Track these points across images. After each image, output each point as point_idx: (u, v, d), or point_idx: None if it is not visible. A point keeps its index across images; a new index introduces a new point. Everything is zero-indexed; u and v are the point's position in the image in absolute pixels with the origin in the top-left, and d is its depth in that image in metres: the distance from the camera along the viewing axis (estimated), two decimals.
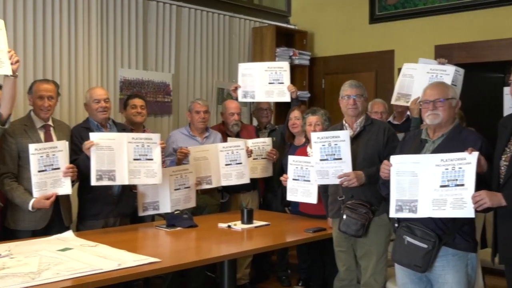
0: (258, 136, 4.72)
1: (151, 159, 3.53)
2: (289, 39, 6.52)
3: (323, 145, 3.31)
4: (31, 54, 4.43)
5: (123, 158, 3.45)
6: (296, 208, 4.10)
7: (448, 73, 4.09)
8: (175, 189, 3.82)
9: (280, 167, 4.36)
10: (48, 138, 3.53)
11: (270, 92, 4.62)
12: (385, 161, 2.83)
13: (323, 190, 3.53)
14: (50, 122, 3.59)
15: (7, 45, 3.16)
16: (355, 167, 3.24)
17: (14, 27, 4.33)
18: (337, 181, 3.26)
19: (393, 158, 2.78)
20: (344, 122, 3.41)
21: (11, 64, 3.13)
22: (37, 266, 2.50)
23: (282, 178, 3.96)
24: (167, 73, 5.48)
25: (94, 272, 2.46)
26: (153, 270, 2.66)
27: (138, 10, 5.23)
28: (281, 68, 4.66)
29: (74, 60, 4.71)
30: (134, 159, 3.48)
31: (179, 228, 3.57)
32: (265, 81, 4.62)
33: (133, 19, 5.18)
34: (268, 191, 4.76)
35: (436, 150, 2.75)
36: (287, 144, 4.50)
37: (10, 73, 3.14)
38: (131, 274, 2.56)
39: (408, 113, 4.51)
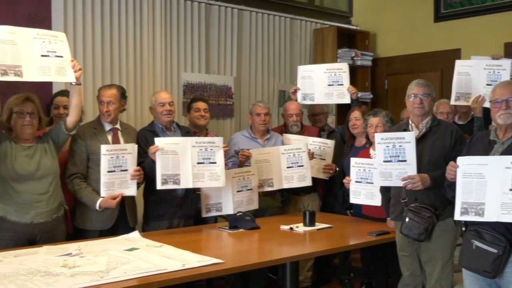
0: None
1: (215, 163, 3.57)
2: (350, 40, 6.45)
3: (387, 146, 3.25)
4: (99, 60, 4.60)
5: (187, 162, 3.51)
6: (359, 211, 4.05)
7: (505, 68, 3.95)
8: (238, 191, 3.85)
9: (340, 169, 4.32)
10: (116, 141, 3.65)
11: (329, 94, 4.59)
12: (452, 162, 2.76)
13: (384, 190, 3.45)
14: (117, 126, 3.71)
15: (70, 55, 3.34)
16: (419, 169, 3.16)
17: (84, 34, 4.51)
18: (400, 183, 3.19)
19: (460, 160, 2.70)
20: (410, 122, 3.34)
21: (74, 72, 3.29)
22: (106, 265, 2.58)
23: (345, 181, 3.92)
24: (229, 76, 5.54)
25: (159, 272, 2.51)
26: (216, 271, 2.69)
27: (201, 15, 5.33)
28: (340, 70, 4.62)
29: (139, 65, 4.84)
30: (198, 163, 3.54)
31: (241, 230, 3.59)
32: (324, 83, 4.60)
33: (195, 23, 5.28)
34: (328, 194, 4.72)
35: (506, 152, 2.65)
36: (347, 145, 4.45)
37: (74, 80, 3.31)
38: (195, 274, 2.60)
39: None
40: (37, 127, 3.33)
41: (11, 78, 3.12)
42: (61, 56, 3.28)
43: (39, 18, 4.39)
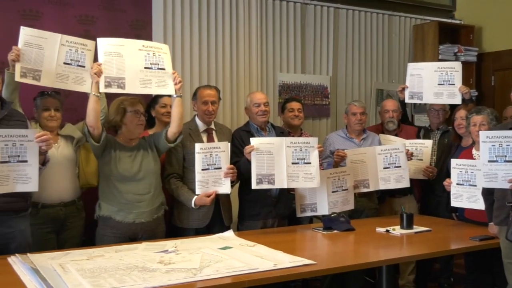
0: (419, 138, 4.52)
1: (309, 163, 3.54)
2: (453, 35, 6.16)
3: (493, 145, 3.04)
4: (196, 61, 4.72)
5: (282, 162, 3.50)
6: (462, 214, 3.84)
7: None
8: (333, 192, 3.79)
9: (446, 170, 4.11)
10: (210, 141, 3.73)
11: (439, 93, 4.40)
12: None
13: (487, 192, 3.23)
14: (212, 126, 3.79)
15: (171, 67, 3.43)
16: None
17: (182, 37, 4.65)
18: (507, 186, 2.98)
19: None
20: None
21: (175, 84, 3.38)
22: (199, 262, 2.63)
23: (445, 183, 3.73)
24: (325, 75, 5.48)
25: (250, 271, 2.51)
26: (308, 272, 2.65)
27: (296, 15, 5.32)
28: (453, 69, 4.42)
29: (235, 66, 4.92)
30: (293, 163, 3.52)
31: (335, 231, 3.53)
32: (434, 82, 4.41)
33: (291, 23, 5.28)
34: (428, 196, 4.53)
35: None
36: (453, 145, 4.24)
37: (173, 93, 3.41)
38: (286, 275, 2.58)
39: None
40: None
41: (113, 90, 3.28)
42: (163, 69, 3.39)
43: (141, 25, 4.59)
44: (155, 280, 2.34)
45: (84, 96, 3.63)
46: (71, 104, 4.00)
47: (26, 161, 2.79)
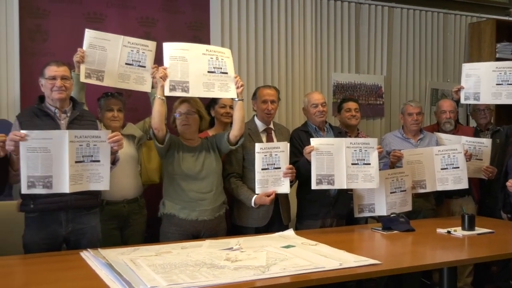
0: None
1: (369, 164, 3.55)
2: (511, 33, 6.01)
3: None
4: (253, 62, 4.78)
5: (341, 162, 3.52)
6: None
7: None
8: (391, 192, 3.78)
9: (504, 171, 4.05)
10: (270, 141, 3.77)
11: (497, 94, 4.31)
12: None
13: None
14: (271, 126, 3.83)
15: (233, 71, 3.49)
16: None
17: (239, 38, 4.72)
18: None
19: None
20: None
21: (236, 88, 3.44)
22: (265, 260, 2.67)
23: (508, 184, 3.67)
24: (379, 75, 5.46)
25: (317, 269, 2.55)
26: (373, 272, 2.66)
27: (351, 14, 5.32)
28: None
29: (290, 66, 4.96)
30: (352, 164, 3.53)
31: (395, 232, 3.52)
32: (492, 82, 4.32)
33: (345, 23, 5.29)
34: (487, 196, 4.46)
35: None
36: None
37: (235, 97, 3.47)
38: (352, 274, 2.60)
39: None
40: (197, 127, 3.55)
41: (178, 93, 3.36)
42: (226, 73, 3.45)
43: (199, 26, 4.68)
44: (225, 276, 2.40)
45: (144, 96, 3.74)
46: (132, 104, 4.12)
47: (98, 161, 2.91)
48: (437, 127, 4.57)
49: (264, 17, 4.86)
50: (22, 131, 2.78)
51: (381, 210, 3.77)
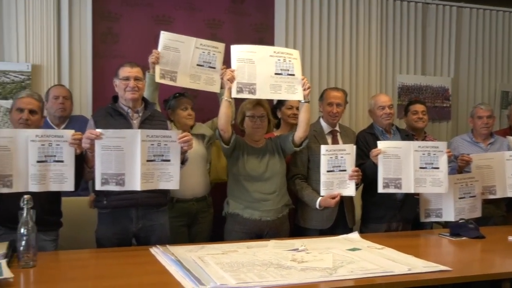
0: None
1: (437, 168, 3.47)
2: None
3: None
4: (316, 64, 4.78)
5: (409, 166, 3.46)
6: None
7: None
8: (460, 198, 3.68)
9: None
10: (335, 143, 3.74)
11: None
12: None
13: None
14: (337, 128, 3.81)
15: (300, 73, 3.48)
16: None
17: (303, 39, 4.74)
18: None
19: None
20: None
21: (303, 90, 3.43)
22: (332, 262, 2.66)
23: None
24: (446, 77, 5.34)
25: (385, 274, 2.52)
26: (443, 279, 2.60)
27: (417, 15, 5.23)
28: None
29: (355, 68, 4.93)
30: (420, 168, 3.47)
31: (464, 238, 3.43)
32: None
33: (412, 24, 5.21)
34: None
35: None
36: None
37: (302, 99, 3.46)
38: (420, 280, 2.55)
39: None
40: (266, 129, 3.58)
41: (245, 95, 3.39)
42: (293, 75, 3.45)
43: (265, 28, 4.73)
44: (293, 277, 2.40)
45: (210, 97, 3.81)
46: (199, 104, 4.19)
47: (169, 160, 2.98)
48: (510, 131, 4.42)
49: (329, 18, 4.85)
50: (97, 130, 2.89)
51: (449, 215, 3.67)
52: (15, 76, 4.09)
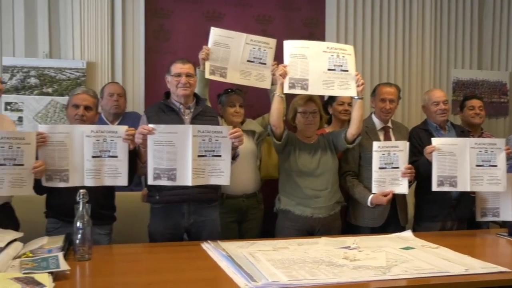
0: None
1: (495, 165, 3.35)
2: None
3: None
4: (368, 59, 4.70)
5: (465, 164, 3.35)
6: None
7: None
8: None
9: None
10: (387, 139, 3.67)
11: None
12: None
13: None
14: (389, 124, 3.74)
15: (354, 69, 3.41)
16: None
17: (354, 35, 4.66)
18: None
19: None
20: None
21: (357, 86, 3.37)
22: (385, 261, 2.61)
23: None
24: (503, 71, 5.17)
25: (441, 274, 2.44)
26: (503, 281, 2.50)
27: (474, 6, 5.09)
28: None
29: (408, 62, 4.83)
30: (477, 165, 3.36)
31: None
32: None
33: (468, 16, 5.06)
34: None
35: None
36: None
37: (355, 95, 3.40)
38: (478, 281, 2.46)
39: None
40: (318, 125, 3.55)
41: (297, 91, 3.36)
42: (346, 70, 3.39)
43: (315, 23, 4.68)
44: (345, 275, 2.36)
45: (260, 93, 3.79)
46: (248, 100, 4.19)
47: (220, 156, 2.99)
48: None
49: (381, 11, 4.76)
50: (150, 125, 2.93)
51: (507, 215, 3.54)
52: (70, 73, 4.20)
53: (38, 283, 2.07)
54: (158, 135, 2.92)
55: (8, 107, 4.15)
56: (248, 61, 3.56)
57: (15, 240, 2.61)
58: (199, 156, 2.96)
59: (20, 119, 4.14)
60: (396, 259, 2.66)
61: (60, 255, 2.44)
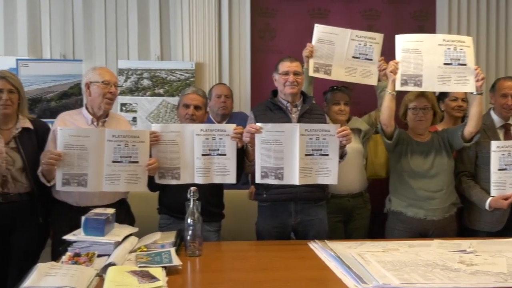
0: None
1: (326, 155, 3.00)
2: None
3: None
4: (483, 53, 4.44)
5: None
6: None
7: None
8: None
9: None
10: (508, 138, 3.43)
11: None
12: None
13: None
14: (510, 121, 3.49)
15: (473, 62, 3.22)
16: None
17: (468, 28, 4.42)
18: None
19: None
20: None
21: (476, 81, 3.18)
22: (506, 267, 2.44)
23: None
24: None
25: None
26: None
27: None
28: None
29: None
30: (306, 155, 2.99)
31: None
32: None
33: None
34: None
35: None
36: None
37: (474, 91, 3.21)
38: None
39: None
40: (430, 122, 3.39)
41: (410, 88, 3.23)
42: (465, 64, 3.21)
43: (425, 15, 4.50)
44: (462, 280, 2.24)
45: (367, 90, 3.70)
46: (355, 97, 4.10)
47: (327, 155, 2.94)
48: None
49: (498, 1, 4.47)
50: (257, 124, 2.94)
51: None
52: (180, 74, 4.35)
53: (153, 277, 2.15)
54: (266, 134, 2.92)
55: (124, 108, 4.37)
56: (353, 57, 3.50)
57: (131, 234, 2.73)
58: (306, 155, 2.93)
59: (134, 119, 4.35)
60: None
61: (173, 250, 2.52)
